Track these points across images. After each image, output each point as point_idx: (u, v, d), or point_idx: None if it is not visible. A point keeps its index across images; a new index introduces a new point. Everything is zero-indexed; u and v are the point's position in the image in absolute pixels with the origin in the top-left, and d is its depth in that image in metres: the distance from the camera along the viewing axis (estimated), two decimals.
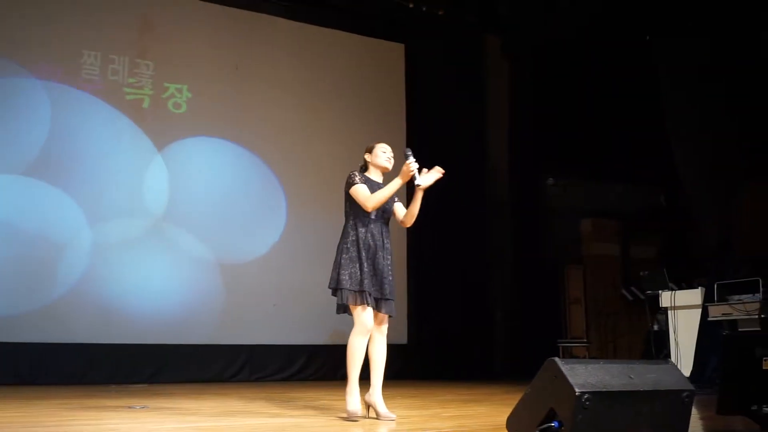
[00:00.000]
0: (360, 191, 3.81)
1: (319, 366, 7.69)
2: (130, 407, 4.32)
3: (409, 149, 3.85)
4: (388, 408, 3.75)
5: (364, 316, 3.68)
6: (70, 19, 7.13)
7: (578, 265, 9.75)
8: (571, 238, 9.92)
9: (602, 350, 9.58)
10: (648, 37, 7.47)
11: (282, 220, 7.80)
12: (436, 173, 3.82)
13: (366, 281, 3.69)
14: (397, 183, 3.80)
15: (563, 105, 8.99)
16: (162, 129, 7.41)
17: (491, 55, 9.55)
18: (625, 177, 9.89)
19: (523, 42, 9.39)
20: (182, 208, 7.37)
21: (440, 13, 8.78)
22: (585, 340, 9.43)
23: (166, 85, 7.52)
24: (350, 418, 3.66)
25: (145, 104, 7.40)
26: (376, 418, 3.71)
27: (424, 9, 8.66)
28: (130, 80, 7.35)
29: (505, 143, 9.44)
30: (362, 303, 3.67)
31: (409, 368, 7.93)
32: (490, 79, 9.53)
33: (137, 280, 7.01)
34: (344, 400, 3.74)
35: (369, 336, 3.73)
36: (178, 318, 7.09)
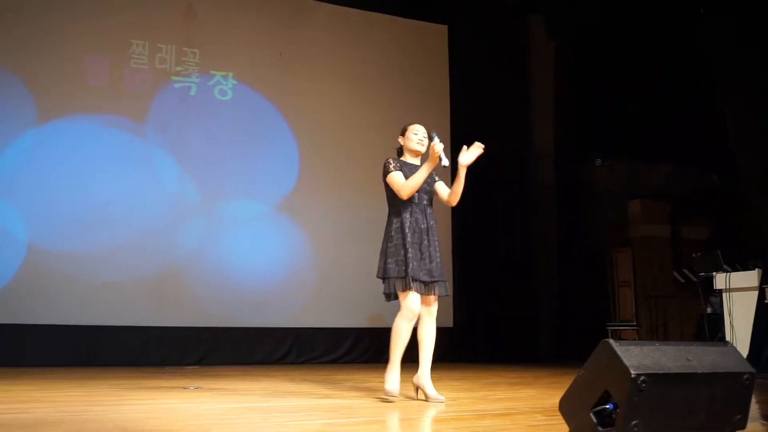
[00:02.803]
0: (395, 179, 3.78)
1: (365, 349, 7.73)
2: (184, 387, 4.42)
3: (434, 131, 3.79)
4: (436, 390, 3.74)
5: (410, 301, 3.67)
6: (119, 9, 7.25)
7: (626, 248, 9.55)
8: (618, 219, 9.72)
9: (652, 333, 9.39)
10: (702, 10, 7.18)
11: (328, 207, 7.83)
12: (477, 149, 3.78)
13: (412, 266, 3.66)
14: (427, 167, 3.74)
15: (610, 84, 8.77)
16: (208, 116, 7.50)
17: (535, 36, 9.38)
18: (674, 156, 9.61)
19: (567, 21, 9.18)
20: (227, 195, 7.46)
21: None
22: (634, 324, 9.26)
23: (212, 72, 7.60)
24: (386, 398, 3.65)
25: (192, 92, 7.50)
26: (425, 400, 3.70)
27: None
28: (178, 68, 7.45)
29: (551, 124, 9.27)
30: (408, 288, 3.66)
31: (455, 351, 7.94)
32: (535, 60, 9.36)
33: (188, 266, 7.15)
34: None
35: (415, 320, 3.72)
36: (227, 302, 7.21)
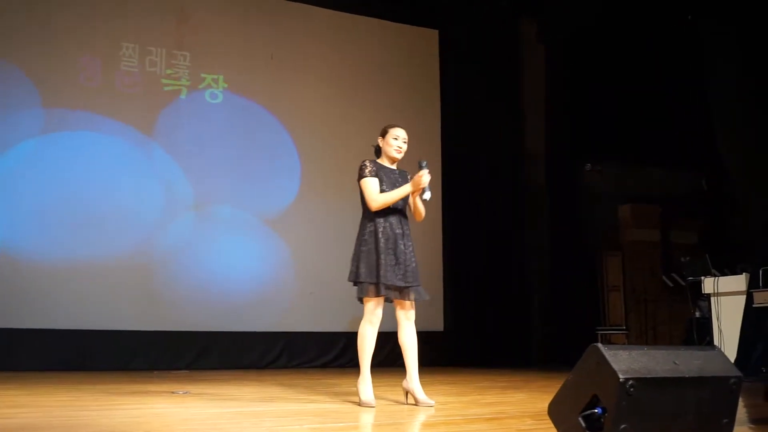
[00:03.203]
0: (368, 187, 3.76)
1: (356, 353, 7.66)
2: (172, 392, 4.40)
3: (425, 161, 3.74)
4: (426, 395, 3.74)
5: (375, 307, 3.70)
6: (109, 12, 7.22)
7: (617, 252, 9.59)
8: (609, 223, 9.76)
9: (642, 338, 9.43)
10: (690, 17, 7.24)
11: (319, 210, 7.82)
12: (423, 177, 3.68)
13: (385, 272, 3.65)
14: (405, 189, 3.73)
15: (600, 89, 8.81)
16: (199, 119, 7.49)
17: (526, 40, 9.42)
18: (664, 161, 9.66)
19: (558, 26, 9.23)
20: (218, 199, 7.44)
21: None
22: (624, 328, 9.30)
23: (203, 75, 7.59)
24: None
25: (183, 95, 7.48)
26: (415, 405, 3.71)
27: None
28: (168, 71, 7.44)
29: (542, 129, 9.32)
30: (379, 294, 3.66)
31: (445, 355, 7.93)
32: (526, 64, 9.40)
33: (178, 270, 7.13)
34: (386, 386, 3.76)
35: (378, 326, 3.73)
36: (217, 306, 7.18)
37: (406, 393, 3.81)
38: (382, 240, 3.70)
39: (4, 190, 6.62)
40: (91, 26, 7.11)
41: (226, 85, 7.67)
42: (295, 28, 8.09)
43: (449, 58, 8.85)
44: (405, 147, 3.85)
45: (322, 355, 7.65)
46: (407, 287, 3.72)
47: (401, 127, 3.89)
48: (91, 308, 6.68)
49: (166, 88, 7.41)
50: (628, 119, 8.86)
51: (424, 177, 3.66)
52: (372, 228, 3.75)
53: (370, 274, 3.67)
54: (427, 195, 3.68)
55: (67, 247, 6.72)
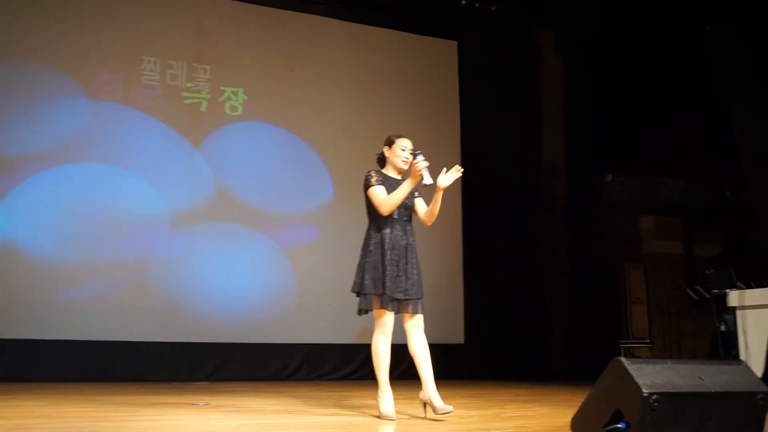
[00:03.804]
0: (376, 193, 3.75)
1: None
2: (192, 404, 4.41)
3: (419, 148, 3.73)
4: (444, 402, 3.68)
5: (386, 318, 3.68)
6: (130, 26, 7.32)
7: (639, 264, 9.49)
8: (630, 235, 9.66)
9: (666, 351, 9.29)
10: (708, 28, 7.19)
11: (337, 220, 7.84)
12: (455, 173, 3.70)
13: (389, 284, 3.64)
14: (409, 184, 3.70)
15: (620, 99, 8.76)
16: (219, 132, 7.55)
17: (544, 51, 9.41)
18: (686, 172, 9.56)
19: (576, 36, 9.20)
20: (240, 210, 7.49)
21: (493, 9, 8.68)
22: (648, 341, 9.17)
23: (222, 88, 7.66)
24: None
25: (203, 108, 7.55)
26: (434, 415, 3.65)
27: (476, 5, 8.58)
28: (188, 84, 7.52)
29: (561, 139, 9.27)
30: (385, 307, 3.65)
31: (466, 368, 7.89)
32: (544, 74, 9.38)
33: (198, 281, 7.16)
34: (404, 399, 3.73)
35: (390, 336, 3.71)
36: (237, 317, 7.21)
37: (424, 405, 3.76)
38: (388, 252, 3.69)
39: (25, 203, 6.70)
40: (110, 41, 7.21)
41: (245, 98, 7.73)
42: (315, 40, 8.15)
43: (468, 70, 8.85)
44: (411, 158, 3.84)
45: (342, 367, 7.63)
46: (407, 300, 3.71)
47: (407, 138, 3.90)
48: (110, 319, 6.73)
49: (186, 102, 7.49)
50: (649, 129, 8.79)
51: (420, 164, 3.64)
52: (378, 239, 3.75)
53: (375, 286, 3.67)
54: (428, 180, 3.61)
55: (86, 257, 6.78)
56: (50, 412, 3.95)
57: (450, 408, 3.62)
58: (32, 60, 6.90)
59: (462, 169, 3.70)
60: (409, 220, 3.84)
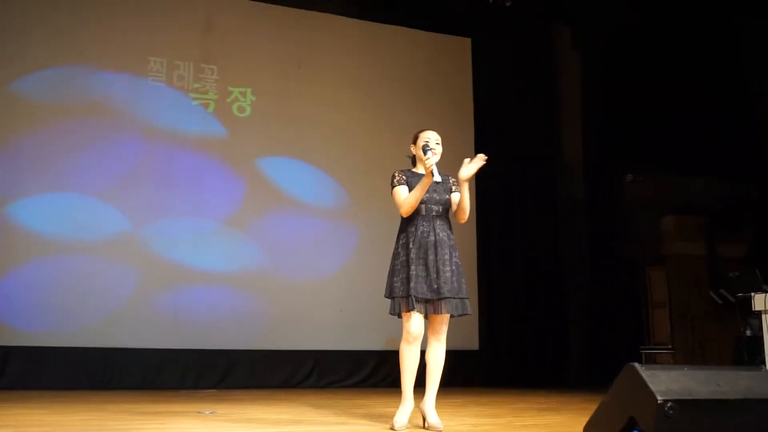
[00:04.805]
0: (396, 195, 3.76)
1: (387, 372, 7.66)
2: (198, 412, 4.44)
3: (427, 145, 3.71)
4: (444, 416, 3.69)
5: (409, 323, 3.62)
6: (136, 26, 7.38)
7: (660, 266, 9.39)
8: (651, 237, 9.56)
9: (689, 357, 9.19)
10: (733, 21, 7.11)
11: (348, 223, 7.84)
12: (478, 162, 3.64)
13: (416, 285, 3.59)
14: (423, 183, 3.66)
15: (640, 96, 8.68)
16: (227, 133, 7.59)
17: (561, 47, 9.36)
18: (708, 170, 9.45)
19: (594, 31, 9.15)
20: (248, 213, 7.52)
21: (507, 4, 8.66)
22: (670, 347, 9.08)
23: (230, 89, 7.70)
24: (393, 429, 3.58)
25: (210, 109, 7.59)
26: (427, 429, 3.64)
27: (490, 1, 8.56)
28: (195, 85, 7.56)
29: (579, 138, 9.22)
30: (411, 309, 3.59)
31: (480, 375, 7.87)
32: (561, 71, 9.34)
33: (205, 286, 7.19)
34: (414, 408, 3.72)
35: (417, 343, 3.64)
36: (246, 323, 7.23)
37: (424, 416, 3.75)
38: (413, 251, 3.66)
39: (35, 210, 6.78)
40: (118, 41, 7.27)
41: (253, 98, 7.77)
42: (324, 38, 8.16)
43: (482, 67, 8.83)
44: (438, 149, 3.78)
45: (353, 374, 7.63)
46: (440, 299, 3.61)
47: (431, 130, 3.86)
48: (116, 326, 6.78)
49: (194, 103, 7.53)
50: (670, 126, 8.71)
51: (428, 160, 3.61)
52: (404, 240, 3.74)
53: (401, 288, 3.64)
54: (437, 177, 3.59)
55: (90, 262, 6.83)
56: (54, 420, 3.99)
57: (441, 426, 3.59)
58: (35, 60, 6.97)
59: (485, 157, 3.64)
60: (441, 215, 3.76)
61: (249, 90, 7.77)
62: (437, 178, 3.59)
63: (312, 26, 8.13)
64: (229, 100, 7.68)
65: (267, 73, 7.86)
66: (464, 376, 7.67)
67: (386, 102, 8.26)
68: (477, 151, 8.95)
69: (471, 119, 8.67)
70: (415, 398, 3.71)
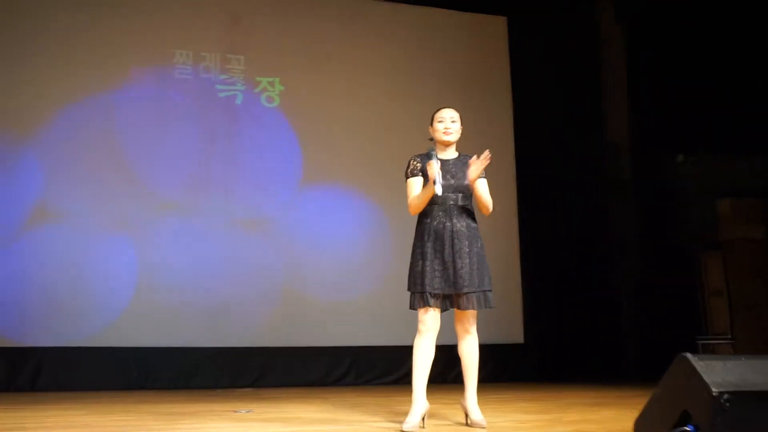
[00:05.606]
0: (408, 187, 3.75)
1: None
2: (235, 411, 4.50)
3: (433, 150, 3.67)
4: (487, 413, 3.67)
5: (423, 317, 3.60)
6: (162, 20, 7.48)
7: (716, 252, 9.18)
8: (706, 221, 9.35)
9: (751, 348, 8.97)
10: None
11: (382, 216, 7.83)
12: (483, 162, 3.54)
13: (431, 280, 3.57)
14: (428, 191, 3.59)
15: (689, 70, 8.47)
16: (256, 124, 7.65)
17: (603, 21, 9.19)
18: (766, 148, 9.20)
19: (638, 1, 8.93)
20: (280, 208, 7.57)
21: None
22: (729, 337, 8.87)
23: (258, 79, 7.75)
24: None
25: (238, 100, 7.66)
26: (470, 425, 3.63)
27: None
28: (222, 76, 7.63)
29: (625, 117, 9.05)
30: (426, 305, 3.57)
31: (526, 370, 7.81)
32: (604, 47, 9.17)
33: (241, 284, 7.26)
34: (453, 404, 3.71)
35: (430, 336, 3.62)
36: (282, 321, 7.30)
37: (466, 413, 3.74)
38: (428, 243, 3.63)
39: (46, 214, 6.94)
40: (141, 35, 7.37)
41: (282, 88, 7.80)
42: (352, 24, 8.16)
43: (519, 47, 8.71)
44: (455, 126, 3.74)
45: (392, 371, 7.63)
46: (458, 295, 3.59)
47: (447, 107, 3.82)
48: (152, 326, 6.91)
49: (221, 95, 7.60)
50: (723, 101, 8.47)
51: (430, 171, 3.54)
52: (420, 231, 3.71)
53: (416, 283, 3.63)
54: (438, 189, 3.50)
55: (125, 264, 6.97)
56: (90, 421, 4.09)
57: (484, 423, 3.58)
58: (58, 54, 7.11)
59: (490, 156, 3.57)
60: (459, 204, 3.67)
61: (277, 80, 7.81)
62: (438, 191, 3.52)
63: (338, 11, 8.12)
64: (257, 90, 7.73)
65: (295, 62, 7.86)
66: (509, 371, 7.63)
67: (420, 87, 8.15)
68: (516, 134, 8.89)
69: (509, 101, 8.55)
70: (456, 395, 3.70)
